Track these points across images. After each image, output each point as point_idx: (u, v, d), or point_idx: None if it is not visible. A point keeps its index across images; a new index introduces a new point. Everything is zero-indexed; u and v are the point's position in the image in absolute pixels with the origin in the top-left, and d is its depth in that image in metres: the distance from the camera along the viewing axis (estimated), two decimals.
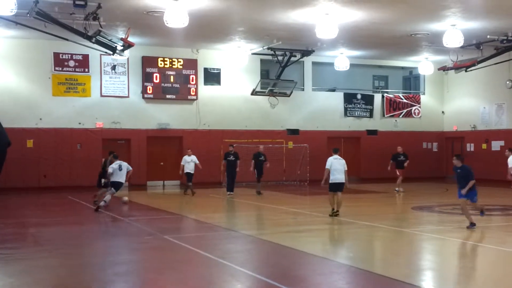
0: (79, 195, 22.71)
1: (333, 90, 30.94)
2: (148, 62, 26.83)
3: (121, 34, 21.64)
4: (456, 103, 31.96)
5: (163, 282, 9.10)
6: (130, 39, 20.99)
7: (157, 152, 27.24)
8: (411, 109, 32.18)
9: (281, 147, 28.95)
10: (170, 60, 27.19)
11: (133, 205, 19.81)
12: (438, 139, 32.62)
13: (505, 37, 22.91)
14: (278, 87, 28.16)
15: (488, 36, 22.86)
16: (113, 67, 26.20)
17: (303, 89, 30.07)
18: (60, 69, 25.52)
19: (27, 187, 24.44)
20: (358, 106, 31.08)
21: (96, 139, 26.15)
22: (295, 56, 26.74)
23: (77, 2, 17.37)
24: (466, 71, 26.53)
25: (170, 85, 27.15)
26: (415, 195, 22.95)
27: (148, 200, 21.85)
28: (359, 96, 31.13)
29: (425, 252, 12.09)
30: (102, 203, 18.18)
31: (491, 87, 29.38)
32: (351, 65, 28.40)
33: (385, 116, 31.65)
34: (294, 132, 29.65)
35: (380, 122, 31.56)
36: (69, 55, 25.54)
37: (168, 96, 27.16)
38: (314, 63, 29.96)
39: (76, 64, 25.75)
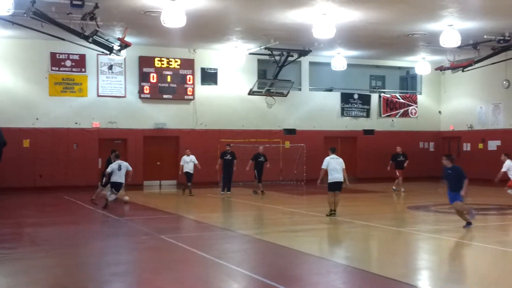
0: (75, 195, 22.68)
1: (330, 90, 30.95)
2: (145, 62, 26.81)
3: (118, 34, 21.61)
4: (453, 103, 32.00)
5: (160, 282, 9.09)
6: (127, 39, 20.95)
7: (154, 152, 27.21)
8: (408, 109, 32.21)
9: (278, 147, 28.95)
10: (167, 60, 27.17)
11: (130, 205, 19.79)
12: (434, 139, 32.65)
13: (502, 37, 22.92)
14: (275, 87, 28.16)
15: (485, 36, 22.88)
16: (110, 67, 26.15)
17: (300, 89, 30.08)
18: (57, 69, 25.49)
19: (23, 187, 24.39)
20: (355, 106, 31.10)
21: (92, 139, 26.12)
22: (292, 56, 26.74)
23: (74, 2, 17.31)
24: (463, 71, 26.54)
25: (167, 85, 27.13)
26: (411, 195, 22.97)
27: (145, 200, 21.84)
28: (356, 96, 31.14)
29: (422, 251, 12.11)
30: (110, 198, 18.44)
31: (488, 87, 29.43)
32: (348, 65, 28.40)
33: (382, 116, 31.68)
34: (291, 132, 29.65)
35: (377, 122, 31.59)
36: (66, 55, 25.51)
37: (165, 96, 27.14)
38: (311, 63, 29.97)
39: (73, 64, 25.71)
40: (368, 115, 31.37)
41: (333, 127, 30.48)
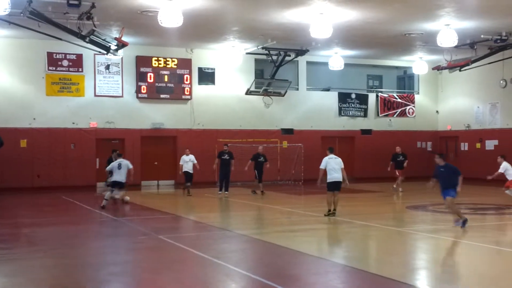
0: (73, 195, 22.66)
1: (328, 90, 30.95)
2: (142, 61, 26.77)
3: (115, 34, 21.59)
4: (450, 103, 32.02)
5: (158, 282, 9.08)
6: (124, 38, 20.95)
7: (151, 152, 27.17)
8: (405, 109, 32.23)
9: (276, 146, 28.94)
10: (164, 60, 27.14)
11: (128, 205, 19.74)
12: (432, 139, 32.67)
13: (499, 37, 22.95)
14: (273, 87, 28.14)
15: (482, 36, 22.90)
16: (107, 67, 26.13)
17: (297, 89, 30.07)
18: (54, 68, 25.44)
19: (20, 187, 24.33)
20: (353, 105, 31.11)
21: (90, 139, 26.08)
22: (289, 55, 26.72)
23: (71, 2, 17.29)
24: (460, 70, 26.58)
25: (164, 84, 27.10)
26: (409, 195, 22.98)
27: (143, 200, 21.80)
28: (353, 96, 31.15)
29: (420, 251, 12.11)
30: (104, 203, 18.45)
31: (485, 87, 29.45)
32: (346, 65, 28.40)
33: (379, 115, 31.68)
34: (288, 131, 29.65)
35: (374, 122, 31.60)
36: (63, 55, 25.46)
37: (162, 96, 27.11)
38: (308, 63, 29.96)
39: (70, 63, 25.66)
40: (365, 115, 31.38)
41: (330, 126, 30.47)
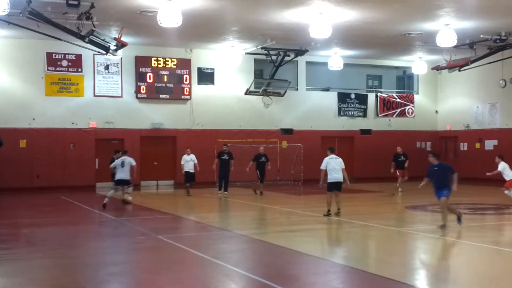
0: (72, 195, 22.65)
1: (327, 90, 30.95)
2: (141, 61, 26.77)
3: (115, 34, 21.58)
4: (450, 103, 32.03)
5: (157, 282, 9.07)
6: (124, 38, 20.94)
7: (150, 152, 27.17)
8: (405, 109, 32.23)
9: (275, 146, 28.94)
10: (164, 60, 27.14)
11: (127, 205, 19.73)
12: (431, 139, 32.66)
13: (498, 37, 22.95)
14: (272, 87, 28.15)
15: (482, 36, 22.91)
16: (106, 67, 26.13)
17: (297, 89, 30.08)
18: (53, 69, 25.43)
19: (20, 188, 24.32)
20: (352, 105, 31.11)
21: (89, 139, 26.08)
22: (288, 55, 26.73)
23: (70, 2, 17.29)
24: (459, 70, 26.58)
25: (163, 85, 27.09)
26: (409, 195, 22.96)
27: (142, 200, 21.77)
28: (353, 96, 31.15)
29: (420, 251, 12.11)
30: (105, 200, 18.51)
31: (485, 87, 29.46)
32: (345, 65, 28.40)
33: (379, 115, 31.69)
34: (288, 131, 29.65)
35: (373, 122, 31.60)
36: (62, 55, 25.45)
37: (161, 96, 27.11)
38: (308, 63, 29.96)
39: (69, 64, 25.66)
40: (365, 115, 31.38)
41: (330, 127, 30.47)
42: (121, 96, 26.63)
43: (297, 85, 30.09)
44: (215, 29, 23.00)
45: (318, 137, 29.89)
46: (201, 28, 22.67)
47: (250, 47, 26.01)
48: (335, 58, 27.98)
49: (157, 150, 27.35)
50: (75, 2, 17.32)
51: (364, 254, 11.86)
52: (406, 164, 24.57)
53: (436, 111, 32.84)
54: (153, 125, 27.12)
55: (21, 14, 17.69)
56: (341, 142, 30.36)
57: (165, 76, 27.10)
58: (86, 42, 20.03)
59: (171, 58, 27.21)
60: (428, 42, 24.47)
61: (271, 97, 28.37)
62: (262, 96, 28.29)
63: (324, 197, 16.70)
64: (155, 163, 27.26)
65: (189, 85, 27.53)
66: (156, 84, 26.95)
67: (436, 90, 32.70)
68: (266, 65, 28.10)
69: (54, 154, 25.41)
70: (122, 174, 19.17)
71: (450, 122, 31.81)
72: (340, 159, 16.50)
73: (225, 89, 28.39)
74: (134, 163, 19.62)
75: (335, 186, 16.30)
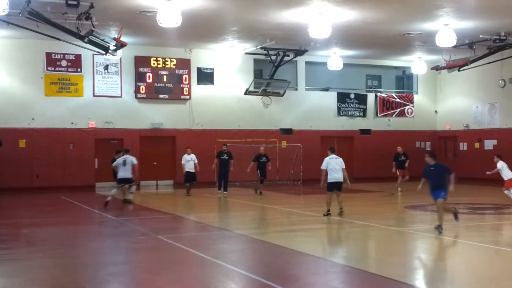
0: (72, 195, 22.65)
1: (327, 90, 30.96)
2: (141, 61, 26.77)
3: (114, 34, 21.58)
4: (449, 103, 32.03)
5: (157, 282, 9.07)
6: (123, 38, 20.93)
7: (150, 152, 27.16)
8: (404, 109, 32.24)
9: (275, 146, 28.94)
10: (163, 60, 27.14)
11: (127, 205, 19.72)
12: (431, 139, 32.67)
13: (498, 37, 22.96)
14: (272, 87, 28.16)
15: (481, 36, 22.92)
16: (106, 67, 26.13)
17: (296, 89, 30.08)
18: (53, 69, 25.43)
19: (20, 188, 24.32)
20: (351, 105, 31.11)
21: (89, 139, 26.08)
22: (288, 55, 26.74)
23: (69, 2, 17.29)
24: (459, 70, 26.59)
25: (163, 85, 27.10)
26: (408, 194, 22.96)
27: (142, 200, 21.75)
28: (352, 96, 31.15)
29: (419, 251, 12.12)
30: (108, 198, 18.64)
31: (484, 87, 29.46)
32: (344, 65, 28.41)
33: (378, 115, 31.69)
34: (287, 131, 29.65)
35: (373, 122, 31.60)
36: (62, 55, 25.45)
37: (161, 96, 27.11)
38: (307, 63, 29.96)
39: (69, 64, 25.66)
40: (364, 115, 31.38)
41: (329, 126, 30.48)
42: (121, 96, 26.63)
43: (297, 85, 30.09)
44: (214, 29, 23.00)
45: (317, 137, 29.90)
46: (200, 28, 22.67)
47: (249, 47, 26.01)
48: (335, 58, 27.98)
49: (156, 150, 27.34)
50: (75, 2, 17.31)
51: (364, 254, 11.87)
52: (406, 164, 24.57)
53: (436, 111, 32.85)
54: (153, 125, 27.12)
55: (20, 14, 17.69)
56: (341, 142, 30.36)
57: (165, 76, 27.10)
58: (86, 42, 20.03)
59: (170, 58, 27.21)
60: (427, 42, 24.48)
61: (270, 97, 28.39)
62: (261, 96, 28.30)
63: (324, 197, 16.70)
64: (155, 163, 27.25)
65: (188, 85, 27.53)
66: (155, 84, 26.96)
67: (436, 90, 32.71)
68: (266, 65, 28.10)
69: (53, 154, 25.41)
70: (124, 172, 19.26)
71: (450, 122, 31.81)
72: (341, 159, 16.51)
73: (224, 89, 28.39)
74: (135, 162, 19.65)
75: (335, 186, 16.31)
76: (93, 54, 24.74)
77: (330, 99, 30.77)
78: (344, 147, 29.83)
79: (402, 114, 32.16)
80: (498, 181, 19.92)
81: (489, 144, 29.13)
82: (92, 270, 10.11)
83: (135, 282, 9.42)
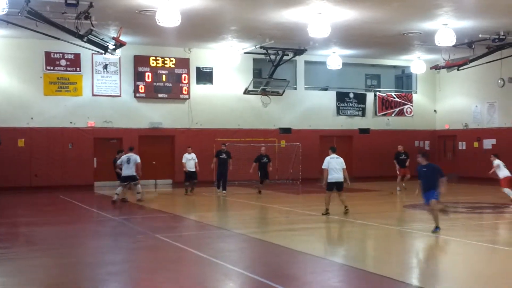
0: (70, 194, 22.65)
1: (326, 89, 30.96)
2: (140, 61, 26.77)
3: (113, 33, 21.59)
4: (448, 102, 32.04)
5: (156, 281, 9.08)
6: (122, 38, 20.93)
7: (149, 151, 27.10)
8: (403, 108, 32.25)
9: (274, 146, 28.94)
10: (162, 59, 27.14)
11: (126, 204, 19.74)
12: (430, 138, 32.68)
13: (497, 36, 22.96)
14: (271, 86, 28.17)
15: (480, 35, 22.93)
16: (105, 66, 26.13)
17: (295, 88, 30.08)
18: (52, 68, 25.42)
19: (18, 187, 24.32)
20: (351, 105, 31.12)
21: (88, 138, 26.08)
22: (287, 55, 26.75)
23: (68, 1, 17.27)
24: (458, 70, 26.60)
25: (162, 84, 27.10)
26: (407, 193, 22.98)
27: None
28: (351, 95, 31.16)
29: (418, 250, 12.13)
30: (115, 197, 18.87)
31: (483, 86, 29.47)
32: (344, 64, 28.41)
33: (378, 114, 31.69)
34: (286, 131, 29.66)
35: (372, 121, 31.61)
36: (61, 54, 25.45)
37: (160, 95, 27.11)
38: (306, 62, 29.97)
39: (68, 63, 25.65)
40: (363, 114, 31.39)
41: (328, 126, 30.49)
42: (120, 96, 26.63)
43: (296, 85, 30.10)
44: (213, 28, 23.00)
45: (316, 136, 29.91)
46: (199, 28, 22.67)
47: (248, 46, 26.01)
48: (334, 58, 27.99)
49: (155, 150, 27.31)
50: (74, 2, 17.30)
51: (362, 253, 11.88)
52: (407, 163, 24.55)
53: (435, 110, 32.86)
54: (152, 124, 27.12)
55: (19, 14, 17.68)
56: (340, 141, 30.33)
57: (164, 76, 27.10)
58: (85, 42, 20.03)
59: (169, 58, 27.21)
60: (426, 41, 24.47)
61: (269, 96, 28.39)
62: (260, 96, 28.31)
63: (322, 196, 16.70)
64: (154, 162, 27.20)
65: (187, 84, 27.53)
66: (154, 83, 26.96)
67: (435, 90, 32.72)
68: (265, 65, 28.10)
69: (52, 154, 25.41)
70: (128, 170, 19.38)
71: (449, 121, 31.82)
72: (341, 159, 16.53)
73: (223, 88, 28.39)
74: (139, 160, 19.72)
75: (335, 186, 16.32)
76: (92, 54, 24.74)
77: (329, 98, 30.78)
78: (343, 147, 29.77)
79: (401, 113, 32.16)
80: (497, 180, 19.93)
81: (488, 143, 29.14)
82: (90, 269, 10.11)
83: (133, 281, 9.43)
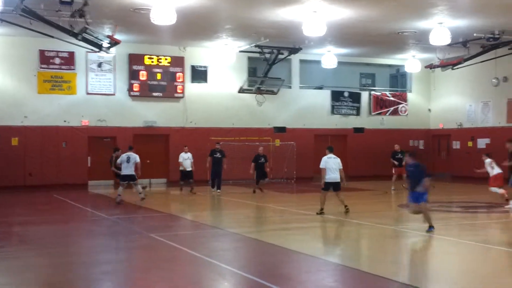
0: (65, 193, 22.59)
1: (320, 88, 30.97)
2: (134, 59, 26.72)
3: (108, 32, 21.54)
4: (443, 101, 32.10)
5: (150, 281, 9.05)
6: (117, 36, 20.89)
7: (143, 150, 26.88)
8: (398, 107, 32.28)
9: (268, 145, 28.92)
10: (157, 58, 27.10)
11: (120, 203, 19.69)
12: (424, 137, 32.73)
13: (492, 35, 23.00)
14: (266, 85, 28.16)
15: (475, 34, 22.97)
16: (99, 65, 26.07)
17: (290, 87, 30.08)
18: (46, 66, 25.35)
19: (12, 186, 24.23)
20: (345, 103, 31.13)
21: (81, 137, 26.01)
22: (282, 53, 26.75)
23: None
24: (452, 69, 26.61)
25: (156, 82, 27.05)
26: (401, 193, 23.00)
27: (135, 198, 21.72)
28: (346, 94, 31.17)
29: (412, 249, 12.14)
30: (118, 198, 18.95)
31: (477, 85, 29.53)
32: (338, 63, 28.40)
33: (372, 113, 31.72)
34: (281, 129, 29.65)
35: (367, 120, 31.63)
36: (55, 53, 25.36)
37: (154, 94, 27.07)
38: (301, 61, 29.97)
39: (62, 61, 25.58)
40: (358, 113, 31.40)
41: (323, 125, 30.49)
42: (114, 94, 26.57)
43: (291, 83, 30.09)
44: (208, 26, 22.97)
45: (311, 135, 29.91)
46: (194, 26, 22.64)
47: (243, 45, 25.98)
48: (329, 56, 27.99)
49: (150, 148, 27.23)
50: (68, 0, 17.25)
51: (356, 252, 11.88)
52: (403, 163, 24.52)
53: (429, 110, 32.91)
54: (146, 123, 27.08)
55: (14, 12, 17.59)
56: (334, 140, 30.29)
57: (158, 74, 27.05)
58: (79, 40, 19.95)
59: (164, 56, 27.17)
60: (421, 40, 24.48)
61: (264, 95, 28.39)
62: (255, 94, 28.30)
63: (317, 196, 16.70)
64: (148, 161, 27.11)
65: (182, 83, 27.49)
66: (149, 82, 26.91)
67: (429, 89, 32.77)
68: (260, 63, 28.09)
69: (46, 152, 25.34)
70: (128, 170, 19.32)
71: (443, 121, 31.88)
72: (339, 159, 16.53)
73: (218, 87, 28.36)
74: (138, 160, 19.64)
75: (331, 186, 16.32)
76: (87, 52, 24.59)
77: (324, 97, 30.79)
78: (337, 146, 29.59)
79: (395, 112, 32.19)
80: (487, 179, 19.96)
81: (482, 142, 29.19)
82: (85, 269, 10.08)
83: (127, 280, 9.40)
